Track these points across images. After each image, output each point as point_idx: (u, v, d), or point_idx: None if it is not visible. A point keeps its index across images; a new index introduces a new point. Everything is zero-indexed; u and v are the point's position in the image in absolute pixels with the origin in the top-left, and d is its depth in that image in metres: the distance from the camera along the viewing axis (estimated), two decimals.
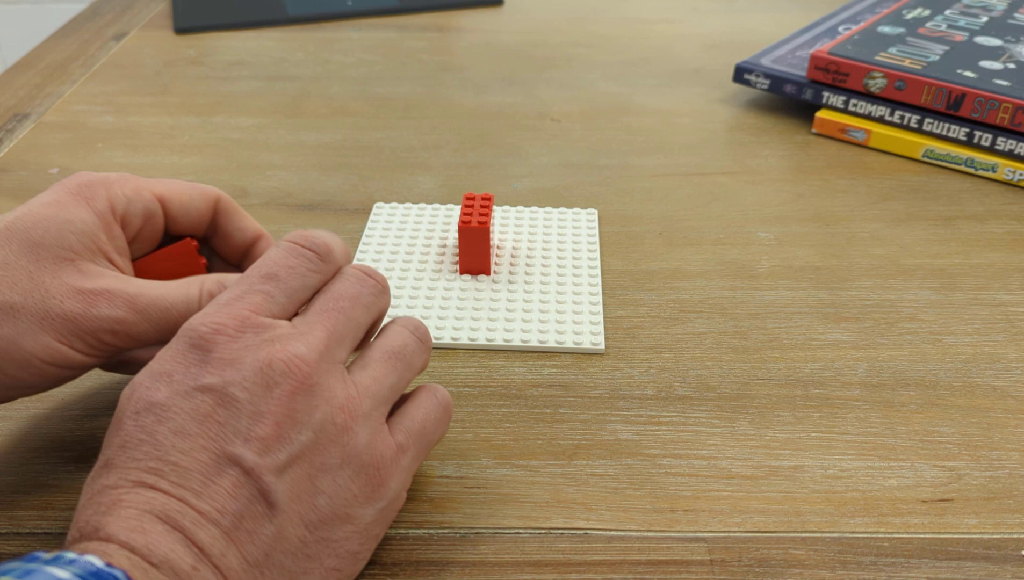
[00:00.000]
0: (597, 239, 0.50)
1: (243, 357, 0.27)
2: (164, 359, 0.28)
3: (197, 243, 0.38)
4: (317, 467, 0.27)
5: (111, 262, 0.34)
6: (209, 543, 0.25)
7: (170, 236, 0.37)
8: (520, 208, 0.53)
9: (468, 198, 0.47)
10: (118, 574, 0.23)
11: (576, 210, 0.53)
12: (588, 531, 0.33)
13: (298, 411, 0.27)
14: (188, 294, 0.33)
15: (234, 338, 0.28)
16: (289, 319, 0.30)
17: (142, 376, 0.28)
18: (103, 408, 0.39)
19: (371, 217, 0.52)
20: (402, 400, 0.32)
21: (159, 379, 0.27)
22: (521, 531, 0.33)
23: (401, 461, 0.30)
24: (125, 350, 0.33)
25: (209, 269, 0.39)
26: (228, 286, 0.32)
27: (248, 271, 0.31)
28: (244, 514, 0.26)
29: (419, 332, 0.33)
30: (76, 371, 0.32)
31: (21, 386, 0.32)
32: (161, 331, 0.33)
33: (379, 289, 0.32)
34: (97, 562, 0.23)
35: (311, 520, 0.27)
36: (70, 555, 0.23)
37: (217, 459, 0.26)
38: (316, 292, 0.31)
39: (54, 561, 0.23)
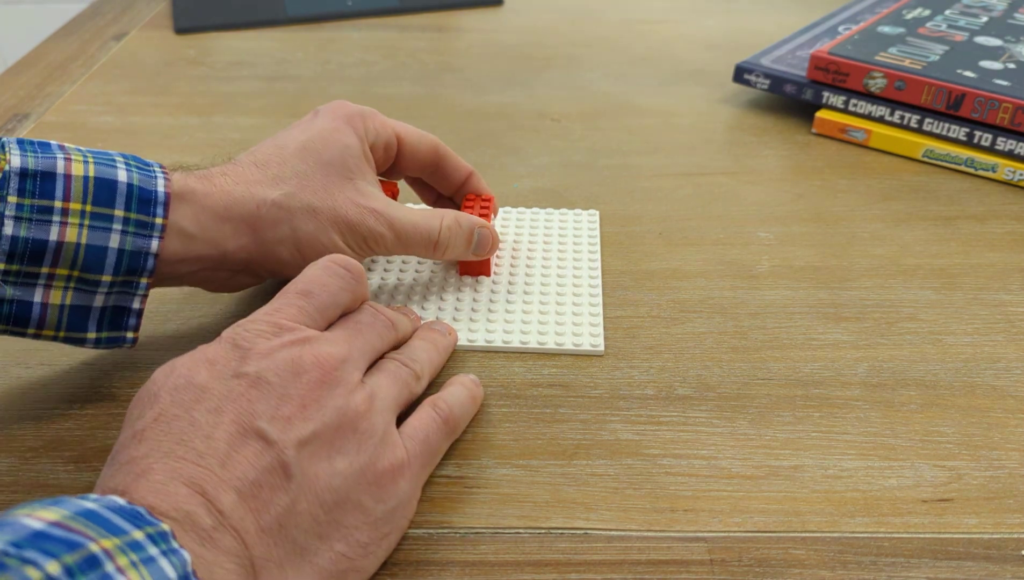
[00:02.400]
0: (598, 241, 0.50)
1: (277, 352, 0.30)
2: (206, 351, 0.31)
3: None
4: (336, 449, 0.29)
5: (371, 181, 0.42)
6: (229, 507, 0.26)
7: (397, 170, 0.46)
8: (522, 209, 0.53)
9: (468, 199, 0.47)
10: (141, 510, 0.24)
11: (578, 211, 0.53)
12: (588, 531, 0.33)
13: (323, 396, 0.30)
14: (431, 225, 0.42)
15: (266, 339, 0.31)
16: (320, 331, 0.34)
17: (183, 359, 0.30)
18: (103, 407, 0.39)
19: None
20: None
21: (201, 364, 0.30)
22: (521, 531, 0.33)
23: (412, 465, 0.32)
24: (374, 254, 0.42)
25: None
26: (462, 224, 0.43)
27: (287, 286, 0.34)
28: (262, 483, 0.27)
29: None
30: None
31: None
32: (403, 246, 0.42)
33: (389, 324, 0.37)
34: (120, 500, 0.25)
35: (325, 500, 0.29)
36: (93, 495, 0.25)
37: (243, 432, 0.28)
38: (344, 310, 0.36)
39: (80, 497, 0.24)
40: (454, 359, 0.41)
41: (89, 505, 0.24)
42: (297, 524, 0.28)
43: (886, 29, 0.67)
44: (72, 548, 0.21)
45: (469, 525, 0.33)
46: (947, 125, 0.58)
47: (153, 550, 0.23)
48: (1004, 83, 0.58)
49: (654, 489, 0.35)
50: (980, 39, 0.65)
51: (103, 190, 0.35)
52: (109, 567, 0.22)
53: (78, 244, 0.34)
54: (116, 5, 0.90)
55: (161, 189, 0.36)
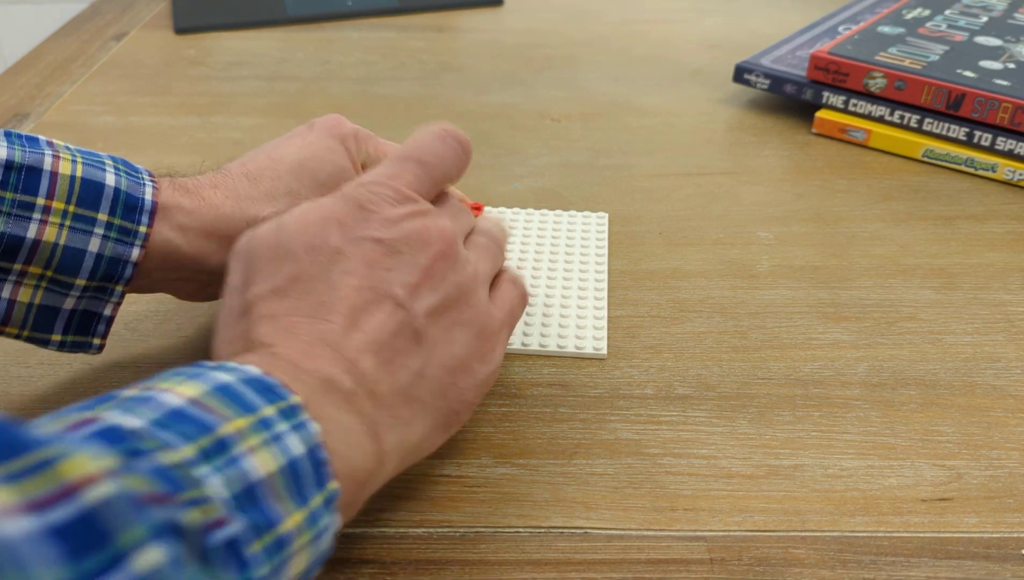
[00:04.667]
0: (606, 243, 0.50)
1: (403, 221, 0.31)
2: (330, 208, 0.31)
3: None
4: (454, 320, 0.32)
5: None
6: (368, 370, 0.28)
7: None
8: (530, 210, 0.53)
9: None
10: (273, 382, 0.25)
11: (587, 213, 0.52)
12: (588, 530, 0.33)
13: (446, 270, 0.32)
14: None
15: (393, 205, 0.32)
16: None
17: (310, 216, 0.31)
18: None
19: None
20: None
21: (331, 224, 0.31)
22: (521, 530, 0.33)
23: (503, 332, 0.34)
24: None
25: None
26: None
27: (404, 151, 0.34)
28: (397, 348, 0.30)
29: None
30: None
31: None
32: None
33: (469, 210, 0.38)
34: (255, 371, 0.25)
35: (448, 365, 0.31)
36: (232, 364, 0.26)
37: (379, 298, 0.30)
38: (450, 183, 0.36)
39: (218, 368, 0.25)
40: None
41: (225, 378, 0.25)
42: (424, 386, 0.30)
43: (886, 29, 0.67)
44: (205, 431, 0.23)
45: (469, 524, 0.33)
46: (947, 125, 0.58)
47: (282, 426, 0.24)
48: (1004, 83, 0.58)
49: (654, 488, 0.35)
50: (980, 39, 0.65)
51: (89, 192, 0.34)
52: (236, 450, 0.23)
53: (56, 244, 0.34)
54: (116, 5, 0.90)
55: (148, 197, 0.35)
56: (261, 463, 0.23)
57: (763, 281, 0.47)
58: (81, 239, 0.34)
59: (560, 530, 0.33)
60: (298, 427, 0.25)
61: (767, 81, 0.65)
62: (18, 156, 0.34)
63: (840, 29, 0.72)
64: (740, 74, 0.67)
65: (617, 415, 0.38)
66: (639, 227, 0.52)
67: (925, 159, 0.59)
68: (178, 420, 0.23)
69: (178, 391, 0.24)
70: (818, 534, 0.33)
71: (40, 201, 0.33)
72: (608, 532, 0.33)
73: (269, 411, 0.24)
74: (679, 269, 0.48)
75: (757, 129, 0.64)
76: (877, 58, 0.62)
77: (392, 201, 0.32)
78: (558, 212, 0.53)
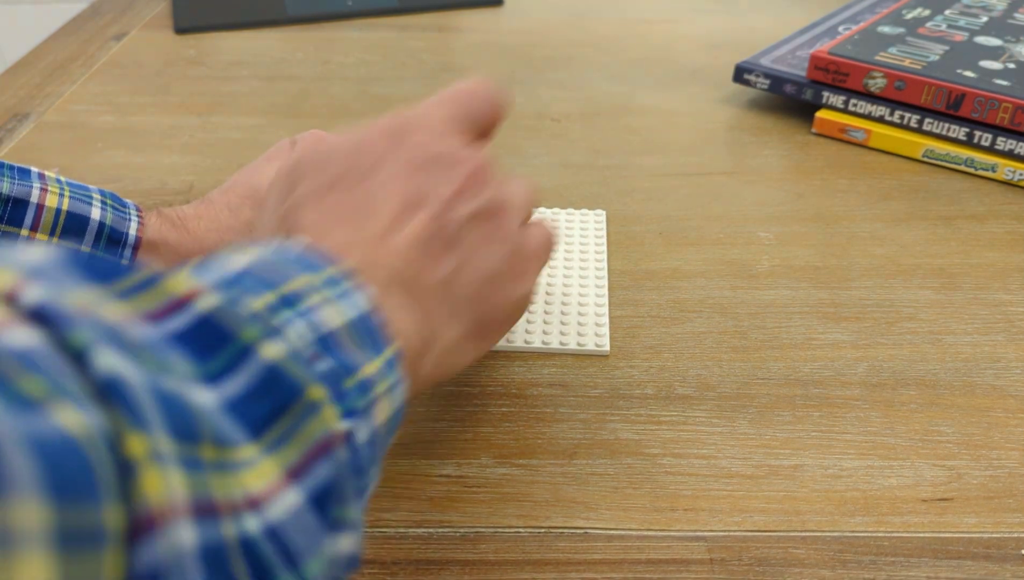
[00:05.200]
0: (604, 240, 0.50)
1: (438, 142, 0.33)
2: (370, 128, 0.33)
3: None
4: (488, 234, 0.32)
5: None
6: (401, 266, 0.29)
7: None
8: None
9: None
10: (326, 252, 0.26)
11: (584, 211, 0.52)
12: (588, 530, 0.33)
13: (481, 185, 0.33)
14: None
15: (426, 132, 0.33)
16: None
17: (352, 134, 0.32)
18: None
19: None
20: None
21: (373, 140, 0.32)
22: (521, 530, 0.33)
23: (532, 263, 0.34)
24: None
25: None
26: None
27: (437, 95, 0.36)
28: (432, 251, 0.30)
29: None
30: None
31: None
32: None
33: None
34: (305, 246, 0.26)
35: (480, 275, 0.32)
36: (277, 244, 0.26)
37: (416, 204, 0.31)
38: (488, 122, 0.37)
39: (265, 244, 0.26)
40: None
41: (279, 248, 0.25)
42: (457, 287, 0.31)
43: (886, 29, 0.67)
44: (273, 287, 0.23)
45: (469, 524, 0.33)
46: (947, 125, 0.58)
47: (347, 284, 0.25)
48: (1004, 83, 0.58)
49: (654, 488, 0.35)
50: (980, 39, 0.65)
51: (73, 224, 0.35)
52: (305, 305, 0.23)
53: None
54: (116, 5, 0.90)
55: (132, 232, 0.36)
56: (330, 317, 0.24)
57: (763, 281, 0.47)
58: None
59: (560, 530, 0.33)
60: (359, 286, 0.26)
61: (767, 81, 0.65)
62: (6, 188, 0.34)
63: (840, 29, 0.72)
64: (740, 74, 0.67)
65: (617, 415, 0.38)
66: (639, 227, 0.52)
67: (925, 159, 0.59)
68: (246, 278, 0.23)
69: (236, 258, 0.24)
70: (818, 534, 0.33)
71: (24, 233, 0.34)
72: (608, 532, 0.33)
73: (332, 270, 0.25)
74: (679, 269, 0.48)
75: (757, 129, 0.64)
76: (877, 58, 0.62)
77: (426, 129, 0.33)
78: (555, 210, 0.53)
